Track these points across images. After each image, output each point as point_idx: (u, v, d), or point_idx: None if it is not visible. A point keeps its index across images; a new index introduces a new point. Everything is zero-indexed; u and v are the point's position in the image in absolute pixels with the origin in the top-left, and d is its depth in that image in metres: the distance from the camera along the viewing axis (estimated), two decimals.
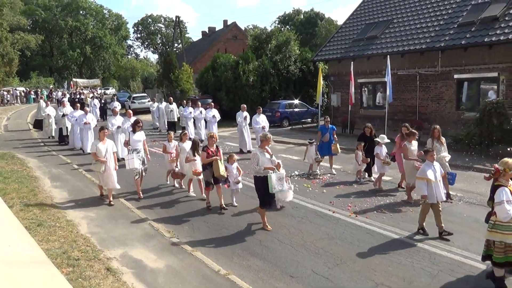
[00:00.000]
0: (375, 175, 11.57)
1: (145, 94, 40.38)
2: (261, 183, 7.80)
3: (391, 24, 22.31)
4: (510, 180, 5.61)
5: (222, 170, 9.01)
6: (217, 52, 36.00)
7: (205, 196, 9.84)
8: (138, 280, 6.15)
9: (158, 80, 39.40)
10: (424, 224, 7.67)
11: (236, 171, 9.49)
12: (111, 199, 9.85)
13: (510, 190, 5.49)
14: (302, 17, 66.44)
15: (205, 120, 19.41)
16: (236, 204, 9.54)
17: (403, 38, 20.52)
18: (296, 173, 12.83)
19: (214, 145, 9.33)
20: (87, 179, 12.32)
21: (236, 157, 9.70)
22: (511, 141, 13.63)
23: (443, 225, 7.48)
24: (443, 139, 9.85)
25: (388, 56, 18.91)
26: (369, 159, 11.58)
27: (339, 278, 6.15)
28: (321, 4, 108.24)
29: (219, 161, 9.02)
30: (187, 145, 10.57)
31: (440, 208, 7.48)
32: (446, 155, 9.59)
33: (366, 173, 11.92)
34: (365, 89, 23.03)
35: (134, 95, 39.05)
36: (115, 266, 6.51)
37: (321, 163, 12.86)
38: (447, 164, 9.60)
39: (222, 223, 8.62)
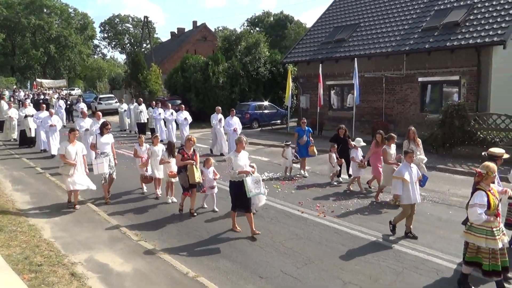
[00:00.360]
0: (345, 176, 11.74)
1: (112, 95, 39.57)
2: (235, 187, 7.68)
3: (358, 27, 22.77)
4: (491, 184, 5.68)
5: (198, 176, 8.68)
6: (186, 53, 35.74)
7: (170, 200, 9.71)
8: (104, 284, 6.01)
9: (125, 81, 38.64)
10: (411, 226, 7.64)
11: (212, 176, 9.24)
12: (75, 202, 9.54)
13: (490, 195, 5.51)
14: (271, 19, 66.86)
15: (176, 122, 19.16)
16: (217, 210, 9.26)
17: (369, 42, 20.99)
18: (266, 174, 12.88)
19: (192, 148, 9.02)
20: (51, 182, 11.95)
21: (213, 161, 9.47)
22: (471, 142, 14.18)
23: (412, 227, 7.62)
24: (419, 141, 9.94)
25: (356, 59, 19.28)
26: (343, 160, 11.65)
27: (308, 278, 6.21)
28: (291, 6, 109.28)
29: (194, 166, 8.70)
30: (159, 148, 10.32)
31: (414, 210, 7.63)
32: (423, 158, 9.73)
33: (340, 176, 11.90)
34: (334, 91, 23.40)
35: (101, 96, 38.23)
36: (80, 271, 6.34)
37: (292, 165, 12.86)
38: (423, 166, 9.74)
39: (192, 226, 8.55)
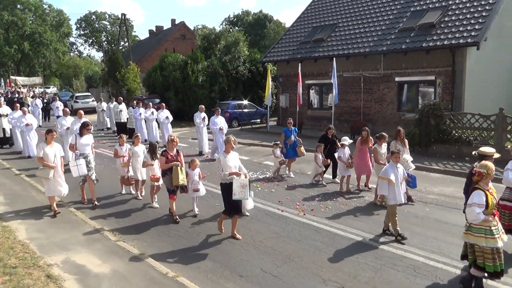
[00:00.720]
0: (328, 176, 11.69)
1: (89, 94, 38.89)
2: (227, 189, 7.38)
3: (337, 27, 23.00)
4: (489, 183, 5.60)
5: (182, 179, 8.33)
6: (165, 52, 35.44)
7: (155, 205, 9.47)
8: (81, 286, 5.90)
9: (103, 79, 38.03)
10: (398, 228, 7.52)
11: (197, 177, 8.81)
12: (56, 208, 9.03)
13: (488, 194, 5.44)
14: (251, 18, 66.81)
15: (156, 121, 18.79)
16: (197, 212, 8.94)
17: (348, 42, 21.22)
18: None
19: (175, 149, 8.65)
20: (26, 183, 11.65)
21: (198, 162, 8.99)
22: (447, 140, 14.49)
23: (398, 228, 7.49)
24: (406, 141, 9.85)
25: (334, 58, 19.51)
26: (329, 161, 11.49)
27: (287, 276, 6.24)
28: (270, 6, 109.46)
29: (179, 168, 8.37)
30: (140, 149, 10.03)
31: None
32: (408, 158, 9.68)
33: (321, 177, 11.71)
34: (313, 90, 23.57)
35: (77, 94, 37.52)
36: (56, 272, 6.21)
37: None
38: (411, 165, 9.73)
39: (171, 226, 8.47)
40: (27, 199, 10.11)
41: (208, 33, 32.39)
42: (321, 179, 11.63)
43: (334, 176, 11.72)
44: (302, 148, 12.45)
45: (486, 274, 5.47)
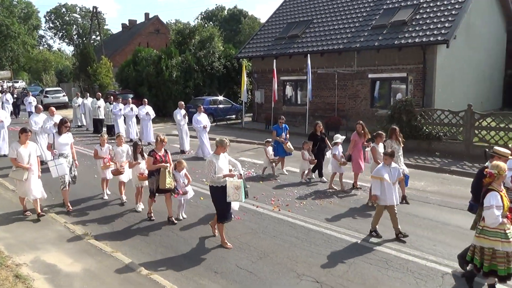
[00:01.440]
0: (325, 178, 11.30)
1: (60, 88, 37.86)
2: (220, 193, 6.91)
3: (311, 24, 23.13)
4: (502, 185, 5.45)
5: (169, 182, 7.89)
6: (138, 46, 34.82)
7: (139, 208, 8.93)
8: (51, 285, 5.75)
9: (74, 74, 37.16)
10: (377, 226, 7.45)
11: (185, 179, 8.31)
12: (40, 210, 8.39)
13: (503, 196, 5.28)
14: (225, 13, 66.47)
15: (136, 117, 18.18)
16: (184, 216, 8.49)
17: (322, 38, 21.38)
18: None
19: (162, 149, 8.17)
20: None
21: (185, 164, 8.43)
22: (418, 136, 14.80)
23: (399, 227, 7.35)
24: (400, 140, 9.52)
25: (309, 55, 19.64)
26: (316, 160, 11.21)
27: (263, 271, 6.26)
28: (244, 1, 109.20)
29: (167, 170, 7.90)
30: (123, 149, 9.35)
31: (395, 211, 7.36)
32: (401, 157, 9.39)
33: (313, 174, 11.57)
34: (288, 86, 23.66)
35: (47, 89, 36.45)
36: (25, 272, 6.03)
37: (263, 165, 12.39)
38: (403, 165, 9.47)
39: (144, 223, 8.36)
40: None
41: (182, 28, 32.03)
42: (309, 176, 11.42)
43: (321, 175, 11.47)
44: (289, 144, 12.16)
45: (496, 279, 5.35)
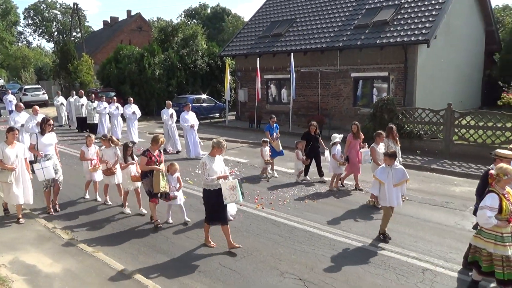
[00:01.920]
0: (326, 178, 11.15)
1: (39, 86, 37.17)
2: (212, 196, 6.73)
3: (295, 23, 23.20)
4: (507, 187, 5.31)
5: (163, 186, 7.60)
6: (120, 43, 34.45)
7: (127, 211, 8.62)
8: (30, 286, 5.65)
9: (54, 71, 36.48)
10: (386, 229, 7.29)
11: (176, 183, 7.94)
12: (21, 216, 8.05)
13: (503, 199, 5.19)
14: (209, 11, 66.17)
15: (122, 116, 17.76)
16: (189, 220, 8.11)
17: (305, 37, 21.47)
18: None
19: (157, 149, 7.89)
20: None
21: (177, 166, 8.06)
22: (399, 135, 14.89)
23: (386, 228, 7.29)
24: (397, 139, 9.52)
25: (292, 53, 19.71)
26: (309, 160, 11.08)
27: (246, 269, 6.26)
28: None
29: (161, 173, 7.62)
30: (114, 151, 9.00)
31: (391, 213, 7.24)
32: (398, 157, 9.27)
33: (307, 176, 11.36)
34: (271, 85, 23.71)
35: (26, 87, 35.75)
36: (4, 273, 5.91)
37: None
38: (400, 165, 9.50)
39: (126, 222, 8.27)
40: None
41: (165, 25, 31.75)
42: (301, 177, 11.25)
43: (321, 174, 11.26)
44: (278, 142, 12.03)
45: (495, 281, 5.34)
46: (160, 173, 7.62)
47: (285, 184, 11.04)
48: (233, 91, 26.54)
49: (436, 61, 18.74)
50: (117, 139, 9.68)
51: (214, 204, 6.76)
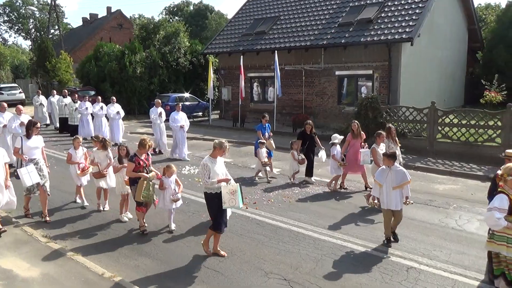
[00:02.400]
0: (314, 178, 11.11)
1: (16, 85, 36.44)
2: (215, 200, 6.47)
3: (278, 20, 23.24)
4: None
5: (145, 195, 7.25)
6: (100, 41, 34.01)
7: (125, 218, 8.28)
8: None
9: (31, 69, 35.81)
10: (389, 233, 7.08)
11: (175, 186, 7.66)
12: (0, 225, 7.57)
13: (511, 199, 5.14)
14: (191, 8, 65.81)
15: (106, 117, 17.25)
16: (174, 228, 7.77)
17: (289, 35, 21.52)
18: (187, 168, 12.73)
19: (144, 153, 7.60)
20: None
21: (174, 168, 7.79)
22: None
23: (389, 233, 7.09)
24: (397, 140, 9.49)
25: (276, 51, 19.74)
26: (305, 160, 10.89)
27: (230, 270, 6.25)
28: None
29: (146, 182, 7.27)
30: (105, 154, 8.71)
31: (393, 217, 7.02)
32: (399, 158, 9.26)
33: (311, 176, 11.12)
34: (255, 83, 23.72)
35: (2, 86, 34.99)
36: None
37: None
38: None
39: (106, 223, 8.18)
40: None
41: (146, 22, 31.51)
42: (295, 178, 11.09)
43: (310, 175, 11.12)
44: (272, 142, 11.83)
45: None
46: (146, 182, 7.28)
47: (268, 184, 11.05)
48: (216, 90, 26.46)
49: (420, 59, 19.00)
50: (110, 141, 9.39)
51: (218, 209, 6.48)
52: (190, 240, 7.33)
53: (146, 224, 7.75)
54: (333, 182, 10.41)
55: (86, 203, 9.20)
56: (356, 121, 10.53)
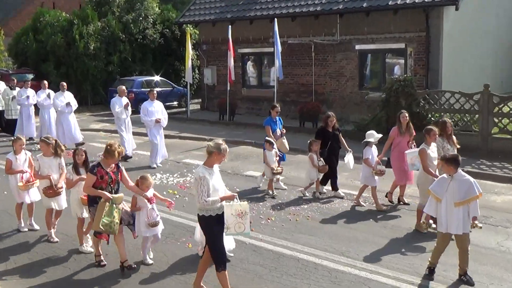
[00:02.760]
0: (342, 191, 11.00)
1: None
2: (216, 225, 6.14)
3: None
4: None
5: (107, 222, 6.82)
6: (40, 7, 33.83)
7: (89, 249, 8.00)
8: None
9: None
10: (435, 262, 6.92)
11: (153, 206, 7.43)
12: None
13: None
14: None
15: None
16: (151, 262, 7.54)
17: None
18: (158, 176, 12.66)
19: (113, 163, 7.28)
20: None
21: (151, 180, 7.56)
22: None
23: (435, 261, 6.95)
24: (454, 138, 9.26)
25: (276, 19, 19.61)
26: (326, 167, 10.66)
27: None
28: None
29: (111, 205, 6.90)
30: (58, 161, 8.46)
31: (463, 243, 6.77)
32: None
33: (323, 187, 11.10)
34: (248, 62, 23.64)
35: None
36: None
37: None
38: None
39: (57, 256, 8.08)
40: None
41: None
42: (320, 190, 10.94)
43: (335, 188, 10.99)
44: (285, 141, 11.73)
45: None
46: (108, 205, 6.91)
47: (284, 199, 10.84)
48: (196, 71, 26.35)
49: (467, 29, 18.96)
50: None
51: (220, 238, 6.21)
52: (164, 273, 7.25)
53: (101, 254, 7.60)
54: (362, 194, 10.26)
55: (26, 229, 8.98)
56: (405, 111, 10.28)
